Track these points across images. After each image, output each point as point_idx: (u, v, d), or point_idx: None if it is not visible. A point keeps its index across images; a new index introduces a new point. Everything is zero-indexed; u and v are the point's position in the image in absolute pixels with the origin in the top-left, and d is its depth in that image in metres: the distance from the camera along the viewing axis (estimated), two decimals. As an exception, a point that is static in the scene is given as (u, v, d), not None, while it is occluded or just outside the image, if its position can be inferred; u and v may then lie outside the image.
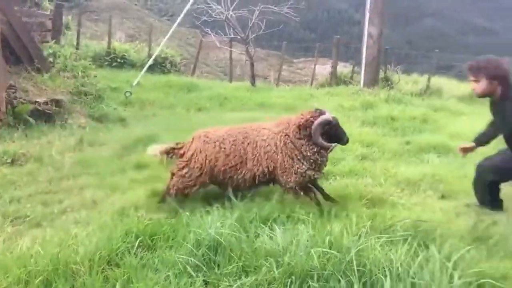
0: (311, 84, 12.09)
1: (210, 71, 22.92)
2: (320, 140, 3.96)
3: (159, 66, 12.20)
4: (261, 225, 3.45)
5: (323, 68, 14.53)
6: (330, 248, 3.03)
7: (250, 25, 10.33)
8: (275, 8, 10.32)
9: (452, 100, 10.34)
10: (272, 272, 2.79)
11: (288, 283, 2.73)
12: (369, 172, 5.36)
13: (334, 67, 11.45)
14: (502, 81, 3.92)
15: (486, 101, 4.59)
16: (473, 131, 7.34)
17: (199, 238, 3.08)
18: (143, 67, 9.79)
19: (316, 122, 3.95)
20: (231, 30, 10.78)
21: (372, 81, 10.85)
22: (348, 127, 7.42)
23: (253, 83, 10.65)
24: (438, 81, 12.37)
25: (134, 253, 3.15)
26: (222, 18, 10.37)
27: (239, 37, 10.77)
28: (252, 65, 10.51)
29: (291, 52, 27.93)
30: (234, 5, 10.32)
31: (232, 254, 2.96)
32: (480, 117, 8.74)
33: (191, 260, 2.93)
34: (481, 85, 3.97)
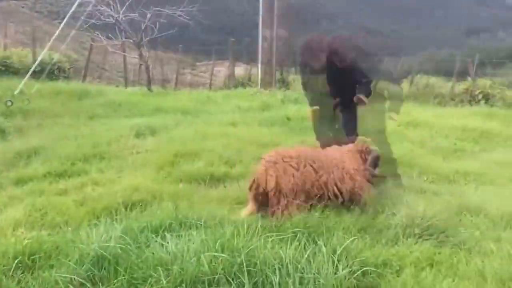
0: (210, 87, 12.10)
1: (110, 76, 22.01)
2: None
3: (46, 72, 11.37)
4: (152, 234, 3.36)
5: (223, 71, 14.62)
6: (222, 252, 3.03)
7: (143, 28, 10.06)
8: (167, 10, 10.15)
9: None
10: (160, 281, 2.72)
11: (177, 292, 2.68)
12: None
13: (231, 69, 11.58)
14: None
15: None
16: (362, 125, 7.87)
17: (82, 253, 2.91)
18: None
19: (373, 155, 4.62)
20: (123, 34, 10.43)
21: (269, 83, 11.13)
22: (246, 128, 7.58)
23: (149, 88, 10.39)
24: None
25: (12, 276, 2.90)
26: (112, 21, 9.98)
27: (131, 40, 10.43)
28: (147, 69, 10.25)
29: (194, 55, 27.74)
30: (124, 7, 9.98)
31: (118, 268, 2.83)
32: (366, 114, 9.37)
33: (74, 278, 2.76)
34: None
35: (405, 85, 13.48)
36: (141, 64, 11.06)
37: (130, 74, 13.48)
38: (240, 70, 13.04)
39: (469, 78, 12.20)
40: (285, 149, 4.38)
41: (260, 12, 11.11)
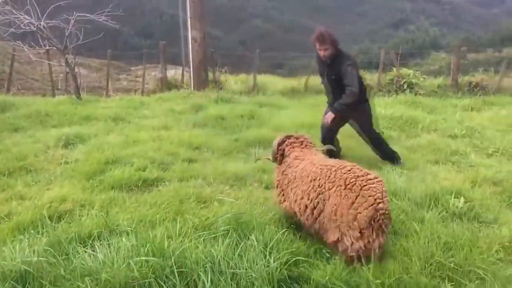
0: (142, 91, 11.90)
1: (40, 86, 21.02)
2: None
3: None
4: (80, 244, 3.29)
5: (156, 75, 14.40)
6: (153, 256, 3.02)
7: (67, 34, 9.70)
8: (91, 16, 9.85)
9: (276, 96, 11.14)
10: (88, 291, 2.67)
11: (106, 300, 2.65)
12: (200, 173, 5.46)
13: (163, 72, 11.45)
14: (336, 44, 5.49)
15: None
16: (293, 122, 8.06)
17: (4, 271, 2.80)
18: None
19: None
20: (46, 41, 10.00)
21: (202, 84, 11.12)
22: (178, 131, 7.53)
23: (78, 96, 10.05)
24: (264, 78, 13.20)
25: None
26: (33, 29, 9.55)
27: (55, 48, 10.03)
28: (74, 76, 9.90)
29: (128, 60, 27.12)
30: (45, 14, 9.57)
31: (43, 282, 2.75)
32: (298, 109, 9.61)
33: (-5, 297, 2.66)
34: (330, 50, 5.44)
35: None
36: (67, 72, 10.65)
37: (58, 83, 12.99)
38: (173, 73, 12.92)
39: (394, 69, 12.77)
40: None
41: (188, 13, 11.06)
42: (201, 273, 2.86)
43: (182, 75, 11.75)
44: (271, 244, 3.32)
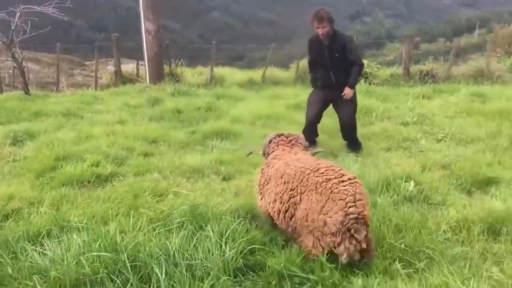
0: (95, 86, 11.58)
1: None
2: None
3: None
4: (29, 243, 3.18)
5: (110, 69, 14.05)
6: (105, 251, 2.97)
7: (13, 27, 9.29)
8: (39, 8, 9.46)
9: (234, 88, 11.11)
10: (36, 290, 2.60)
11: (55, 297, 2.59)
12: (156, 167, 5.39)
13: (117, 66, 11.19)
14: (333, 22, 5.74)
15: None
16: (251, 113, 8.08)
17: None
18: None
19: None
20: (-11, 36, 9.55)
21: (158, 77, 10.94)
22: (134, 125, 7.40)
23: (26, 92, 9.67)
24: (222, 71, 13.13)
25: None
26: (-26, 22, 9.10)
27: (0, 42, 9.59)
28: (22, 71, 9.50)
29: (83, 54, 26.32)
30: (-12, 7, 9.14)
31: (-12, 283, 2.66)
32: (256, 100, 9.64)
33: None
34: (328, 28, 5.63)
35: (292, 70, 14.04)
36: (15, 67, 10.23)
37: (6, 79, 12.45)
38: (128, 67, 12.65)
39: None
40: None
41: (141, 4, 10.83)
42: (155, 266, 2.83)
43: (137, 68, 11.52)
44: (227, 234, 3.32)
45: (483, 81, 11.67)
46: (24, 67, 9.86)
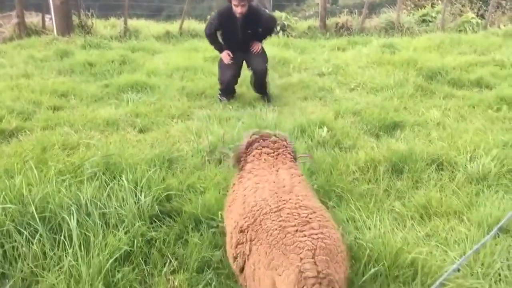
0: (-4, 38, 10.61)
1: None
2: None
3: None
4: None
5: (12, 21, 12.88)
6: (11, 204, 2.83)
7: None
8: None
9: (150, 40, 10.69)
10: None
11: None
12: (67, 121, 5.14)
13: (20, 16, 10.29)
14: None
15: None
16: (168, 66, 7.87)
17: None
18: None
19: None
20: None
21: (66, 28, 10.23)
22: (41, 79, 6.94)
23: None
24: (137, 23, 12.53)
25: None
26: None
27: None
28: None
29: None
30: None
31: None
32: (174, 53, 9.38)
33: None
34: (246, 7, 5.62)
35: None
36: None
37: None
38: (34, 19, 11.68)
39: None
40: None
41: None
42: (66, 216, 2.75)
43: (43, 19, 10.64)
44: (142, 183, 3.29)
45: (394, 33, 12.18)
46: None
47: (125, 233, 2.77)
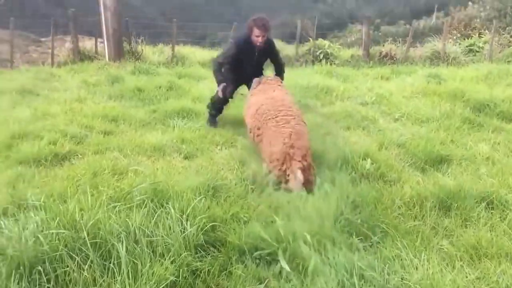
0: (52, 63, 11.19)
1: None
2: None
3: None
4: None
5: (67, 45, 13.58)
6: (64, 228, 2.95)
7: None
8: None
9: (196, 67, 11.00)
10: (-6, 268, 2.56)
11: (14, 275, 2.56)
12: (116, 145, 5.32)
13: (74, 42, 10.85)
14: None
15: None
16: (213, 92, 8.03)
17: None
18: None
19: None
20: None
21: (117, 55, 10.69)
22: (93, 103, 7.24)
23: (-21, 68, 9.30)
24: (183, 49, 12.95)
25: None
26: None
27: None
28: (-26, 47, 9.10)
29: (39, 31, 25.23)
30: None
31: None
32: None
33: None
34: (265, 38, 5.72)
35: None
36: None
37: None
38: (86, 43, 12.27)
39: (311, 40, 13.09)
40: None
41: (99, -20, 10.51)
42: (116, 243, 2.84)
43: (96, 45, 11.19)
44: (188, 211, 3.36)
45: (439, 62, 12.02)
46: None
47: (171, 262, 2.82)
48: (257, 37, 5.74)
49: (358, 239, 3.26)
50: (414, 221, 3.67)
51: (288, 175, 4.00)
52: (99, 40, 11.52)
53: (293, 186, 3.93)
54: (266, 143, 4.37)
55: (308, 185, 3.93)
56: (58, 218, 2.99)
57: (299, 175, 3.88)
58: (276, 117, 4.43)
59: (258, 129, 4.61)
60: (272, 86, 5.41)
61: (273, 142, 4.23)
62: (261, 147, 4.51)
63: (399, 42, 13.34)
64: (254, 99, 5.17)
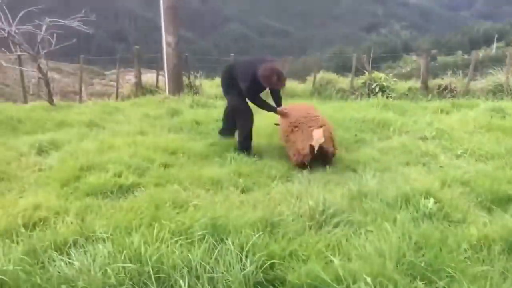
0: (116, 96, 11.79)
1: (12, 92, 20.62)
2: None
3: None
4: (56, 252, 3.28)
5: (131, 79, 14.30)
6: (130, 262, 3.05)
7: (39, 40, 9.57)
8: (64, 21, 9.74)
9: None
10: (65, 300, 2.68)
11: (83, 307, 2.67)
12: (176, 178, 5.47)
13: (137, 77, 11.40)
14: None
15: None
16: (270, 123, 8.14)
17: (-22, 282, 2.79)
18: None
19: None
20: (17, 47, 9.85)
21: (177, 88, 11.11)
22: (154, 136, 7.52)
23: (50, 102, 9.93)
24: (239, 82, 13.19)
25: None
26: (4, 34, 9.39)
27: (27, 53, 9.88)
28: (47, 82, 9.77)
29: (102, 65, 26.80)
30: (17, 20, 9.43)
31: (20, 291, 2.75)
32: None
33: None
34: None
35: (309, 82, 14.14)
36: (40, 78, 10.50)
37: (30, 89, 12.78)
38: (147, 77, 12.87)
39: (366, 73, 13.02)
40: None
41: (162, 17, 11.04)
42: (178, 278, 2.90)
43: (157, 80, 11.72)
44: (247, 248, 3.38)
45: (503, 96, 11.57)
46: (49, 78, 10.12)
47: (232, 300, 2.84)
48: (273, 85, 6.60)
49: (423, 283, 3.14)
50: (482, 265, 3.49)
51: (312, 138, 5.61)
52: (159, 73, 12.06)
53: (313, 143, 5.53)
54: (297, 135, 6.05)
55: (327, 153, 5.77)
56: (124, 252, 3.09)
57: (316, 133, 5.51)
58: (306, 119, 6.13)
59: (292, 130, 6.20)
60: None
61: (305, 141, 5.82)
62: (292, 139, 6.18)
63: (459, 75, 13.00)
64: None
